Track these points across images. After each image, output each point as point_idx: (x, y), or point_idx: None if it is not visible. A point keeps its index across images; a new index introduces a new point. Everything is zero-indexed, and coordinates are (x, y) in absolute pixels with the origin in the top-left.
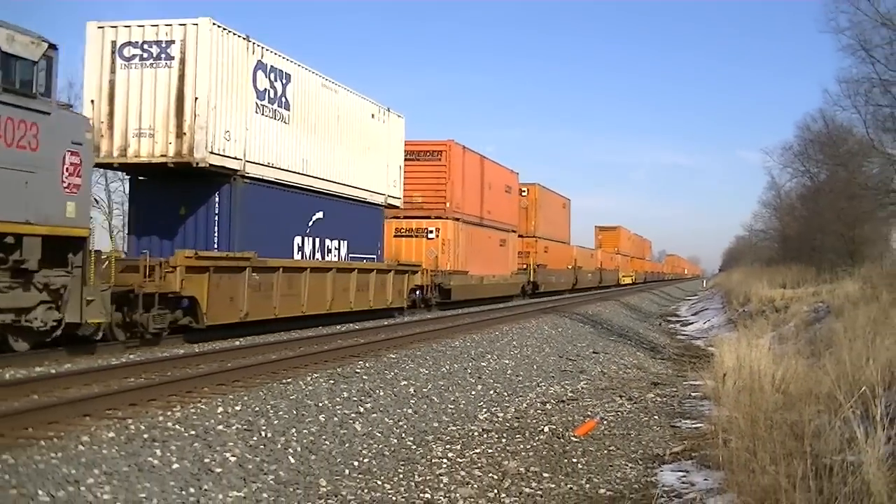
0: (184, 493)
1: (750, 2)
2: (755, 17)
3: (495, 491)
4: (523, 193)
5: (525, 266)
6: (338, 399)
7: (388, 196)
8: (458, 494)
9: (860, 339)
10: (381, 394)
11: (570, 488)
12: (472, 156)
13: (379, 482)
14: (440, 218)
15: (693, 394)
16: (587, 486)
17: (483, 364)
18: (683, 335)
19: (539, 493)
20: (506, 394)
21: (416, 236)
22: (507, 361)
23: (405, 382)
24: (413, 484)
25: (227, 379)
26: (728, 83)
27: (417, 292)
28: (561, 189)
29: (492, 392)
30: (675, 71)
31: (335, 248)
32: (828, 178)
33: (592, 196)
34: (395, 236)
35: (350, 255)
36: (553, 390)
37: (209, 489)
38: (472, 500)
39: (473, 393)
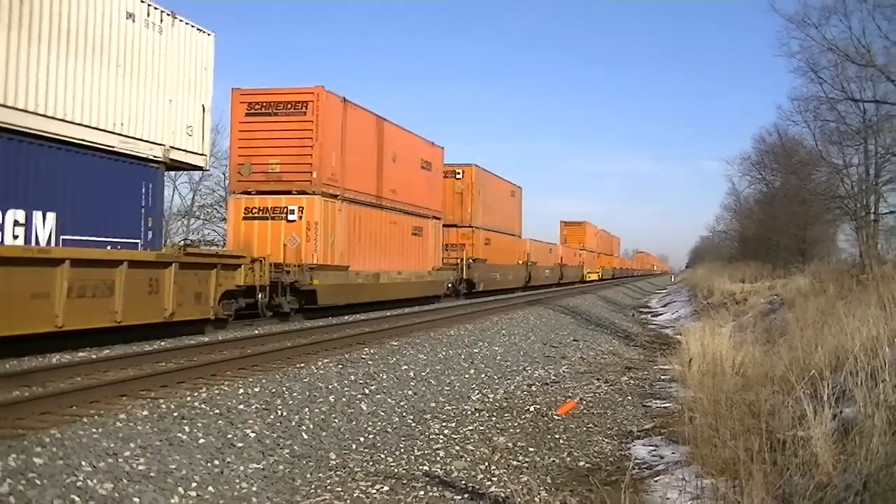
0: (209, 464)
1: (710, 26)
2: (715, 41)
3: (486, 463)
4: (458, 176)
5: (457, 261)
6: (346, 382)
7: (175, 149)
8: (453, 466)
9: (810, 328)
10: (385, 377)
11: (553, 461)
12: (359, 114)
13: (382, 456)
14: (304, 193)
15: (662, 377)
16: (568, 459)
17: (475, 351)
18: (654, 325)
19: (525, 465)
20: (496, 377)
21: (274, 218)
22: (496, 348)
23: (406, 367)
24: (413, 457)
25: (247, 364)
26: (692, 99)
27: (260, 296)
28: (542, 194)
29: (483, 376)
30: (644, 86)
31: (20, 225)
32: (781, 185)
33: (570, 202)
34: (244, 219)
35: (68, 238)
36: (538, 374)
37: (231, 461)
38: (466, 471)
39: (467, 376)
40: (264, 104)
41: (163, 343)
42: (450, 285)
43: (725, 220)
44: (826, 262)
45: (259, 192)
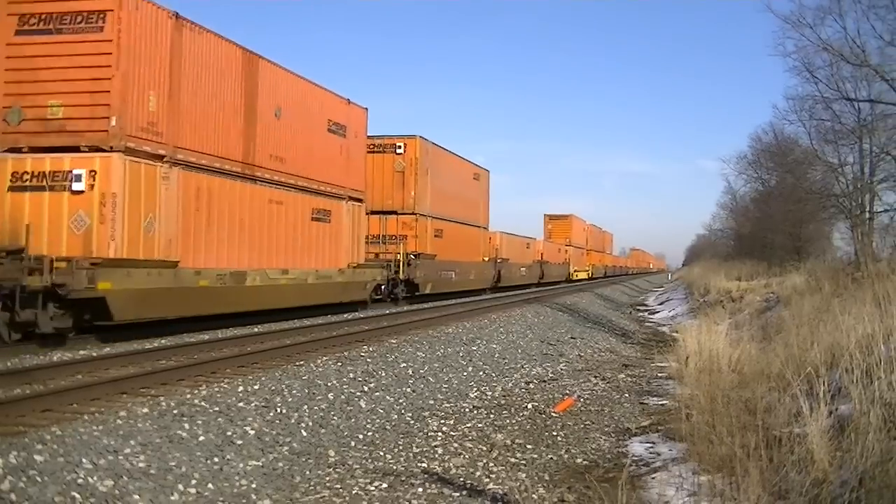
0: (209, 461)
1: (706, 26)
2: (711, 41)
3: (484, 461)
4: (399, 150)
5: (395, 257)
6: (345, 379)
7: None
8: (451, 464)
9: (806, 325)
10: (383, 374)
11: (551, 458)
12: (208, 41)
13: (381, 453)
14: (100, 151)
15: (659, 374)
16: (566, 456)
17: (474, 348)
18: (651, 322)
19: (523, 462)
20: (494, 375)
21: (53, 188)
22: (494, 346)
23: (404, 364)
24: (412, 454)
25: (246, 361)
26: (689, 99)
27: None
28: (540, 193)
29: (481, 373)
30: (641, 86)
31: None
32: (777, 183)
33: (567, 201)
34: (11, 189)
35: None
36: (535, 371)
37: (231, 458)
38: (464, 468)
39: (465, 374)
40: (44, 16)
41: (163, 341)
42: (381, 287)
43: (722, 219)
44: (821, 260)
45: (33, 150)
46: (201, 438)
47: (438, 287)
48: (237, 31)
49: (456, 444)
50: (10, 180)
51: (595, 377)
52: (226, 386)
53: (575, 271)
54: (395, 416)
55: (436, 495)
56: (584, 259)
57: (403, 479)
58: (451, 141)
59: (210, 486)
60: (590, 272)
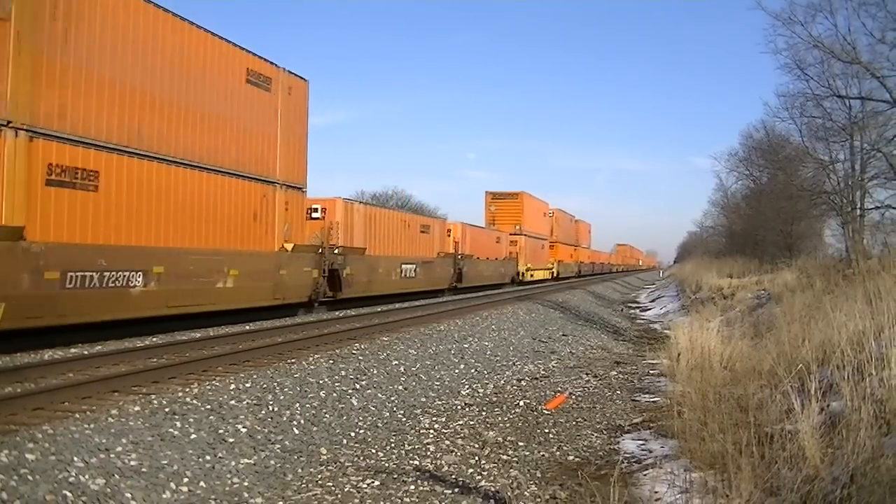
0: (200, 460)
1: (697, 23)
2: (703, 38)
3: (476, 458)
4: None
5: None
6: (337, 377)
7: None
8: (443, 461)
9: (797, 322)
10: (375, 372)
11: (543, 455)
12: None
13: (373, 450)
14: None
15: (651, 371)
16: (558, 453)
17: (465, 346)
18: (642, 320)
19: (515, 459)
20: (485, 372)
21: None
22: (486, 343)
23: (396, 362)
24: (403, 452)
25: (238, 359)
26: (680, 96)
27: None
28: (532, 191)
29: (473, 370)
30: (632, 83)
31: None
32: (769, 180)
33: (560, 199)
34: None
35: None
36: (527, 369)
37: (223, 457)
38: (456, 466)
39: (457, 371)
40: None
41: (154, 339)
42: None
43: (713, 216)
44: (813, 257)
45: None
46: (193, 436)
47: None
48: (236, 31)
49: (448, 442)
50: None
51: (587, 374)
52: (217, 384)
53: (529, 270)
54: (387, 414)
55: (428, 493)
56: (546, 254)
57: (395, 476)
58: (437, 136)
59: (202, 484)
60: (554, 271)
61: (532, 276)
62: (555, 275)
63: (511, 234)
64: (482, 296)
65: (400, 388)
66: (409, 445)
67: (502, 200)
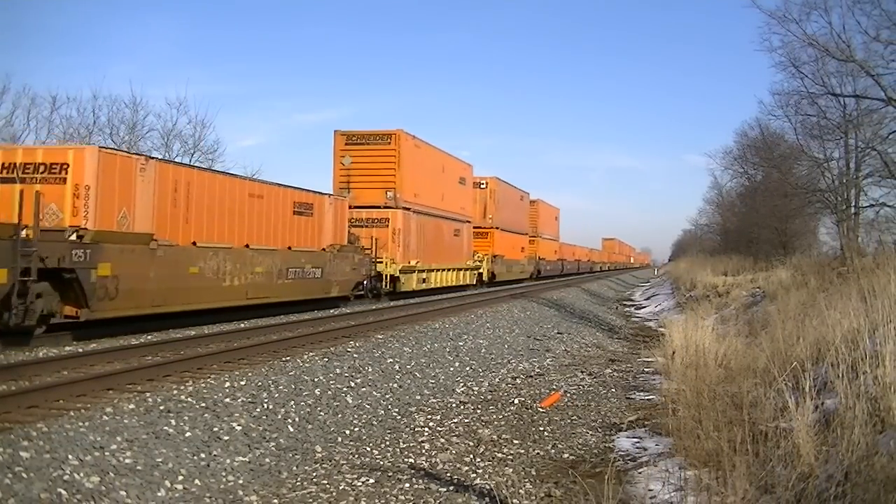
0: (195, 457)
1: (692, 21)
2: (697, 35)
3: (471, 456)
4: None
5: None
6: (331, 375)
7: None
8: (438, 459)
9: (791, 320)
10: (370, 370)
11: (538, 453)
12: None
13: (368, 448)
14: None
15: (646, 369)
16: (553, 451)
17: (460, 343)
18: (637, 317)
19: (510, 457)
20: (480, 370)
21: None
22: (481, 341)
23: (391, 360)
24: (398, 450)
25: (233, 357)
26: (675, 94)
27: None
28: (525, 188)
29: (468, 368)
30: (626, 80)
31: None
32: (763, 178)
33: (554, 196)
34: None
35: None
36: (522, 367)
37: (218, 454)
38: (451, 464)
39: (451, 369)
40: None
41: (149, 336)
42: None
43: (708, 214)
44: (807, 255)
45: None
46: (188, 434)
47: None
48: (233, 30)
49: (443, 440)
50: None
51: (581, 372)
52: (212, 382)
53: (412, 271)
54: (382, 412)
55: (423, 491)
56: (465, 244)
57: (390, 474)
58: (433, 134)
59: (197, 482)
60: (485, 269)
61: (416, 281)
62: (488, 275)
63: (377, 209)
64: (474, 294)
65: (395, 385)
66: (403, 443)
67: (364, 147)
